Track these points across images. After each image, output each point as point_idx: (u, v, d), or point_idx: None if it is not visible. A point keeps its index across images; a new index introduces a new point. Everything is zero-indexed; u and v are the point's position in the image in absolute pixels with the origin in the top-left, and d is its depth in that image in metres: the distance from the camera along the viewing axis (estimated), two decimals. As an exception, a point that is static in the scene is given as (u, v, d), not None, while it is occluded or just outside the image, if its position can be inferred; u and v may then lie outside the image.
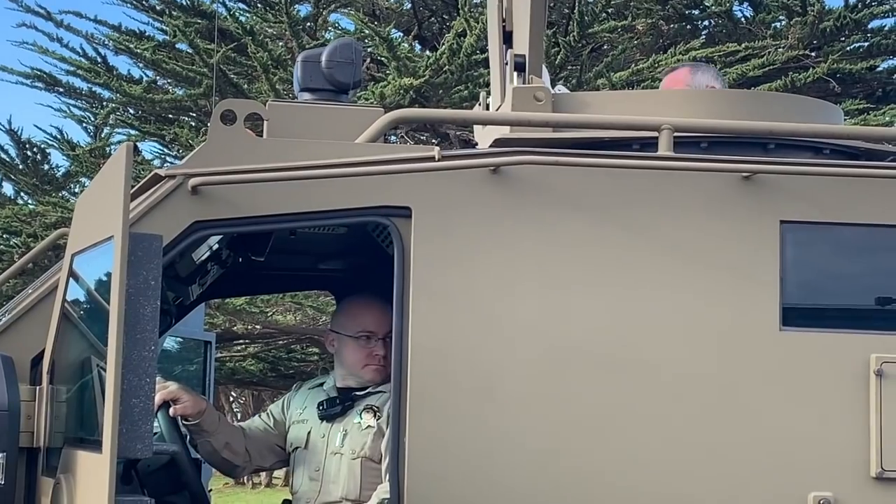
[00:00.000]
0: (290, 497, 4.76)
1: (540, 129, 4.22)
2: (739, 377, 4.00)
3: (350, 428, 4.48)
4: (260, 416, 5.01)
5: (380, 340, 4.61)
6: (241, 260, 5.09)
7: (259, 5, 16.07)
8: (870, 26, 15.59)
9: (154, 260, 3.33)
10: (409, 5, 16.48)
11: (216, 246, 4.77)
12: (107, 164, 3.63)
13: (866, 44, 15.53)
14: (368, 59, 15.11)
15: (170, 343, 6.36)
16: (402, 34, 16.34)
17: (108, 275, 3.35)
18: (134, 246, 3.30)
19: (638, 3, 14.61)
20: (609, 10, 14.81)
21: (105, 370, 3.27)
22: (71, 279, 3.84)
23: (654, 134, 4.08)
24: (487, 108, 5.05)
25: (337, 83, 4.27)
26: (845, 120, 13.69)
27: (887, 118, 14.31)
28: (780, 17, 15.38)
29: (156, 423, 5.11)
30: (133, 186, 4.00)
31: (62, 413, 3.80)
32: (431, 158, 3.97)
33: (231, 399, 18.48)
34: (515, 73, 4.48)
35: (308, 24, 15.64)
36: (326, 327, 5.12)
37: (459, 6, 14.52)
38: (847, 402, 4.00)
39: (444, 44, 14.22)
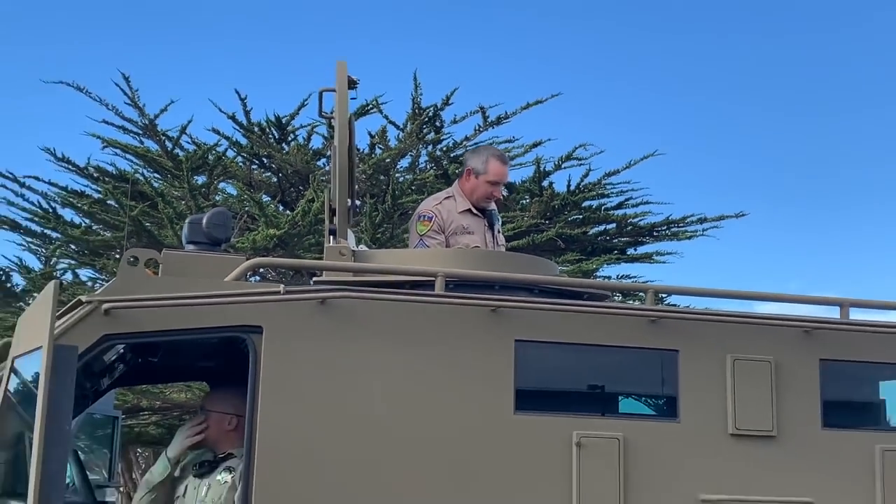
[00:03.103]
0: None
1: (344, 274, 4.25)
2: (486, 446, 3.98)
3: (213, 483, 4.32)
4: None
5: (201, 413, 4.54)
6: (140, 360, 4.97)
7: (168, 175, 15.90)
8: (583, 205, 16.17)
9: (70, 363, 3.27)
10: (276, 179, 16.54)
11: (122, 351, 4.66)
12: (41, 294, 3.55)
13: (581, 217, 16.09)
14: (245, 216, 15.05)
15: (90, 417, 6.11)
16: (270, 198, 16.32)
17: (37, 373, 3.27)
18: (56, 353, 3.23)
19: (433, 183, 14.89)
20: (413, 187, 15.10)
21: (33, 442, 3.17)
22: (12, 375, 3.73)
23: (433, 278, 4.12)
24: None
25: (213, 239, 4.24)
26: (569, 266, 14.13)
27: (594, 266, 14.82)
28: (525, 197, 15.85)
29: (69, 478, 4.92)
30: (64, 305, 3.92)
31: (1, 472, 3.65)
32: (278, 292, 3.96)
33: (136, 454, 17.81)
34: (332, 237, 4.53)
35: (203, 189, 15.55)
36: None
37: (310, 182, 14.66)
38: (558, 464, 4.00)
39: (299, 206, 14.27)
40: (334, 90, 4.67)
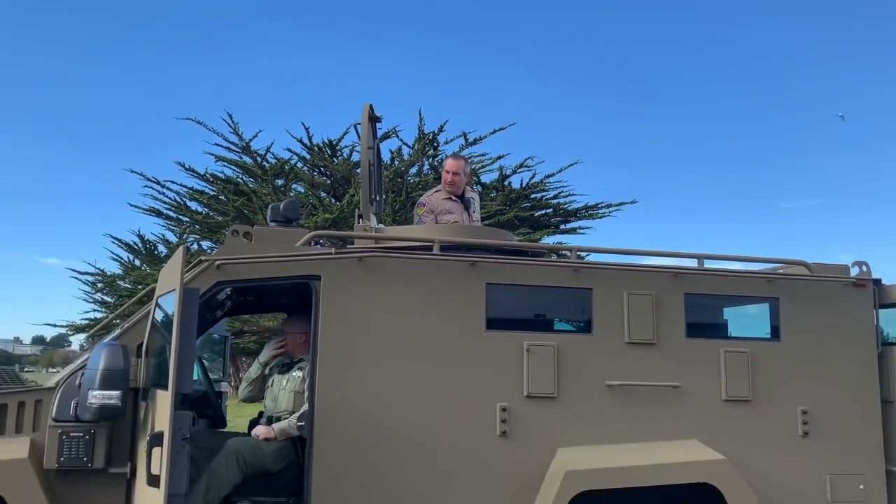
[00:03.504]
0: (262, 409, 4.56)
1: (369, 242, 4.18)
2: (469, 351, 3.96)
3: (290, 377, 4.33)
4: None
5: (282, 333, 4.50)
6: (242, 299, 4.95)
7: (259, 179, 15.82)
8: (531, 196, 16.12)
9: (195, 301, 3.23)
10: (330, 182, 16.44)
11: (229, 292, 4.63)
12: (174, 254, 3.51)
13: (530, 204, 16.05)
14: (309, 206, 14.97)
15: (210, 336, 6.06)
16: (325, 194, 16.24)
17: (173, 307, 3.24)
18: (185, 293, 3.19)
19: (433, 183, 14.85)
20: (419, 186, 15.03)
21: (171, 352, 3.14)
22: (157, 308, 3.69)
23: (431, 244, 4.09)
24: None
25: (287, 219, 4.20)
26: (521, 237, 14.05)
27: (538, 237, 14.82)
28: (492, 192, 15.80)
29: (196, 376, 4.90)
30: (189, 263, 3.89)
31: (150, 371, 3.62)
32: (331, 253, 3.92)
33: (241, 361, 17.83)
34: (359, 219, 4.50)
35: (281, 188, 15.48)
36: None
37: (352, 183, 14.53)
38: (514, 363, 4.00)
39: (344, 199, 14.19)
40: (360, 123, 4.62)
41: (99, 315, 18.31)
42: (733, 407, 4.22)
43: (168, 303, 3.44)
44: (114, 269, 18.19)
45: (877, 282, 4.62)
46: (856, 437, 4.37)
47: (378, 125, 5.38)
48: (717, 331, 4.50)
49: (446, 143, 16.40)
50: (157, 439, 3.12)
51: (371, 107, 5.07)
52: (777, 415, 4.28)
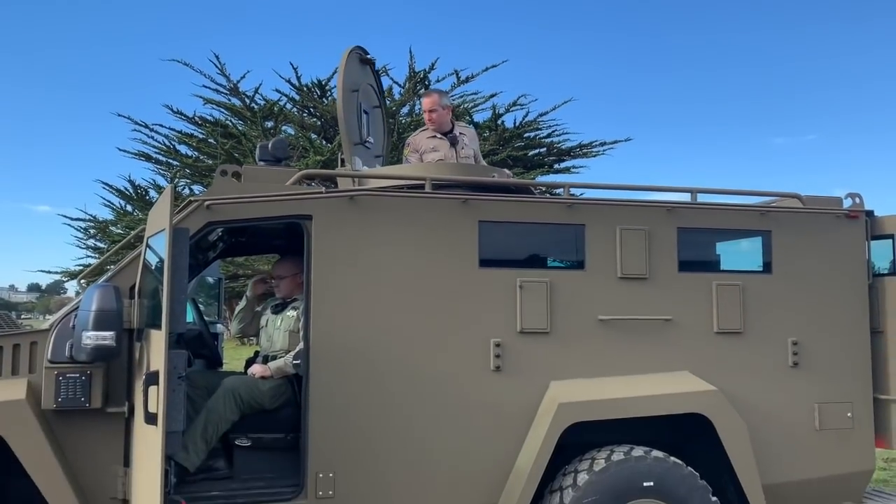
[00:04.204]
0: (258, 350, 4.59)
1: (361, 182, 4.15)
2: (461, 287, 3.95)
3: (284, 317, 4.36)
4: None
5: (277, 278, 4.50)
6: (233, 240, 4.91)
7: (248, 121, 15.59)
8: (525, 135, 15.97)
9: (185, 240, 3.20)
10: (320, 123, 16.23)
11: (220, 233, 4.60)
12: (162, 194, 3.47)
13: (523, 143, 15.93)
14: (300, 148, 14.80)
15: (204, 280, 6.06)
16: (316, 135, 16.05)
17: (163, 247, 3.21)
18: (175, 233, 3.16)
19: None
20: (411, 126, 14.85)
21: (163, 291, 3.13)
22: (147, 249, 3.65)
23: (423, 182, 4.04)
24: None
25: (276, 158, 4.13)
26: (515, 177, 13.99)
27: (532, 176, 14.74)
28: (486, 131, 15.65)
29: (191, 316, 4.91)
30: (179, 205, 3.85)
31: (144, 312, 3.61)
32: (321, 192, 3.87)
33: (235, 304, 17.96)
34: (344, 160, 4.41)
35: (271, 130, 15.28)
36: None
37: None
38: (507, 299, 4.00)
39: (335, 141, 14.04)
40: (336, 67, 4.51)
41: (92, 261, 18.32)
42: (724, 339, 4.27)
43: (158, 243, 3.41)
44: (106, 214, 18.15)
45: (869, 213, 4.62)
46: (845, 366, 4.44)
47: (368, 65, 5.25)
48: (709, 265, 4.50)
49: (438, 80, 16.16)
50: (152, 378, 3.13)
51: (363, 49, 4.95)
52: (768, 346, 4.33)
